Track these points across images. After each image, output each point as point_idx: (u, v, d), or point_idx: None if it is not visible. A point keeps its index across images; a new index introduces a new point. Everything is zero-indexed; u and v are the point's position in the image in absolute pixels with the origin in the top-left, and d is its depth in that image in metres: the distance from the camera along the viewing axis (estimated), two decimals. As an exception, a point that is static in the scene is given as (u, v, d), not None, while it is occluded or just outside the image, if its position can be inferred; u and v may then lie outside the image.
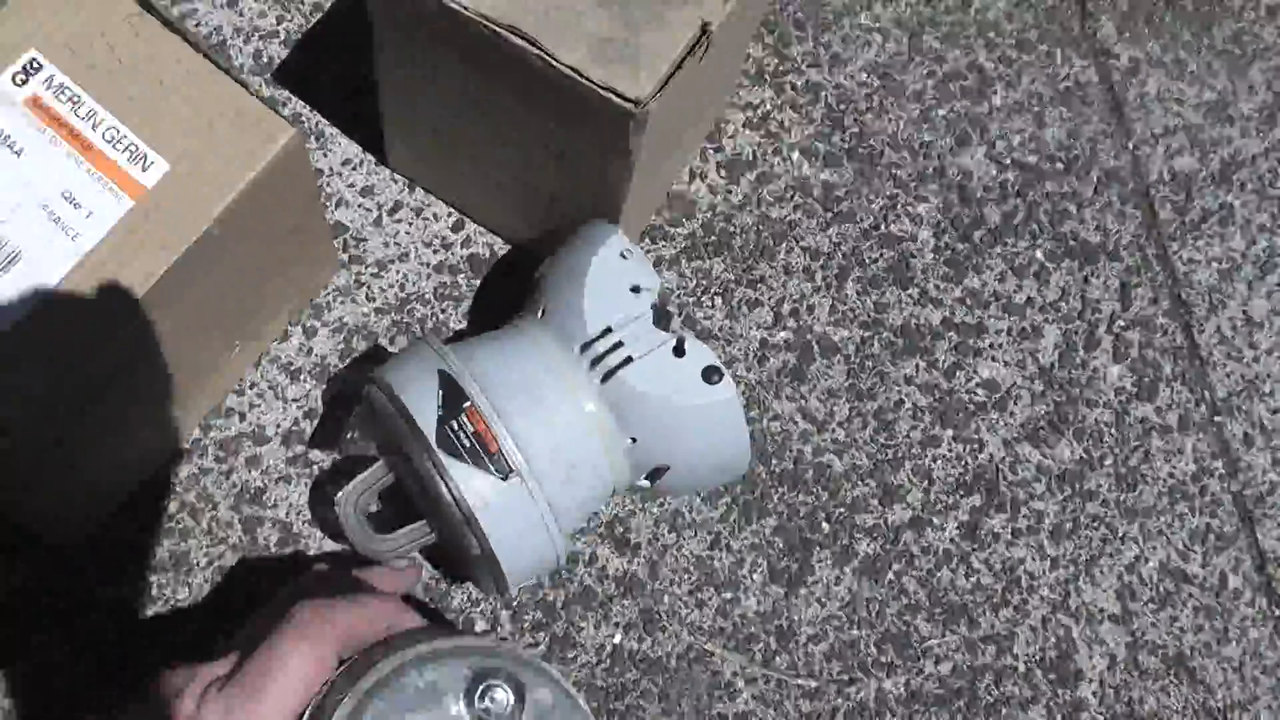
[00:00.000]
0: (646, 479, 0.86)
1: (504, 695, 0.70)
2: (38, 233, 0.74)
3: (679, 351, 0.81)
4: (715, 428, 0.83)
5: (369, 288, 1.00)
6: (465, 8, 0.75)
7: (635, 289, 0.84)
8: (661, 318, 0.83)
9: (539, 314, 0.85)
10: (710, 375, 0.81)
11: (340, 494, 0.84)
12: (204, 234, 0.75)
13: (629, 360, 0.81)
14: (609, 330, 0.82)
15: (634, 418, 0.82)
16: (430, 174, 1.02)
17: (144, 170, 0.76)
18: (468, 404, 0.80)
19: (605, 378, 0.81)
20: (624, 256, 0.85)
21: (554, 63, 0.75)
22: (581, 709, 0.70)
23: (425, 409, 0.80)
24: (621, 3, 0.76)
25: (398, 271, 1.01)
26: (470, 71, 0.82)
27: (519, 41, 0.75)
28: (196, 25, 1.07)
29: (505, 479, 0.78)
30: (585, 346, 0.82)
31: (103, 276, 0.74)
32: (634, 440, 0.83)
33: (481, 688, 0.70)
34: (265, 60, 1.07)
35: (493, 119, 0.85)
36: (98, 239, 0.75)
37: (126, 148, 0.77)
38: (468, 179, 0.97)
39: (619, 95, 0.74)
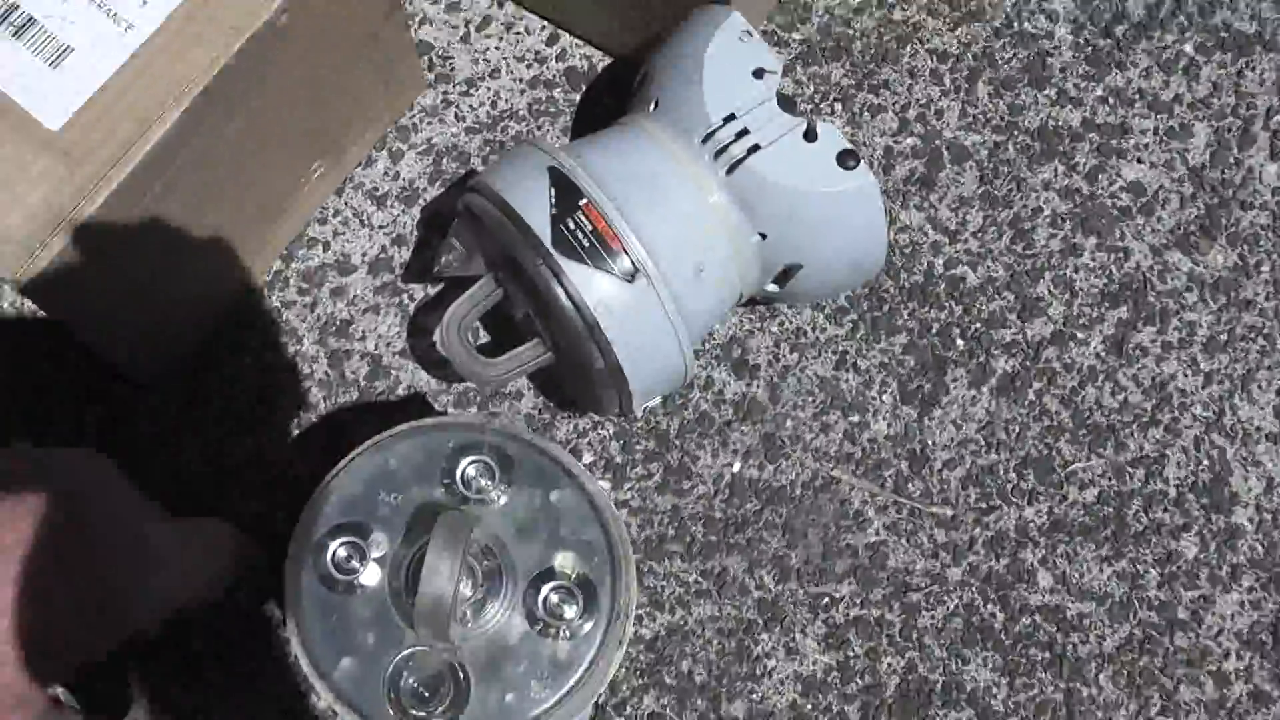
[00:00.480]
0: (774, 283, 0.79)
1: (486, 467, 0.66)
2: (89, 24, 0.67)
3: (810, 136, 0.74)
4: (852, 217, 0.75)
5: (458, 107, 0.92)
6: None
7: (758, 73, 0.76)
8: (787, 102, 0.75)
9: (650, 108, 0.78)
10: (845, 160, 0.73)
11: (446, 314, 0.77)
12: (267, 23, 0.68)
13: (756, 148, 0.73)
14: (732, 117, 0.74)
15: (764, 211, 0.74)
16: (519, -20, 0.94)
17: (205, -46, 0.69)
18: (584, 200, 0.72)
19: (730, 169, 0.74)
20: (743, 39, 0.77)
21: None
22: (587, 490, 0.67)
23: (536, 209, 0.72)
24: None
25: (488, 89, 0.93)
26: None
27: None
28: None
29: (630, 280, 0.71)
30: (707, 137, 0.74)
31: (158, 70, 0.67)
32: (763, 236, 0.75)
33: (464, 461, 0.66)
34: None
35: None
36: (153, 29, 0.68)
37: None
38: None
39: None
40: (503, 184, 0.74)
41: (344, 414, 0.85)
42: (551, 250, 0.71)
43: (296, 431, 0.85)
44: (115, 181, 0.66)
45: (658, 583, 0.82)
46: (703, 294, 0.75)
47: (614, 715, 0.80)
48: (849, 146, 0.73)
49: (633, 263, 0.71)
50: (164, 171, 0.68)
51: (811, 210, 0.74)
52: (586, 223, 0.72)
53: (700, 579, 0.83)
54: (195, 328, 0.84)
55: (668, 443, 0.85)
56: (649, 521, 0.83)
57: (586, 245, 0.71)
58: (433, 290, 0.87)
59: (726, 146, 0.74)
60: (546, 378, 0.85)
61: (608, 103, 0.92)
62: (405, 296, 0.87)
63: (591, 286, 0.71)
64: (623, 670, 0.80)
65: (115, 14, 0.68)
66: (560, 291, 0.71)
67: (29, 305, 0.87)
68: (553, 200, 0.73)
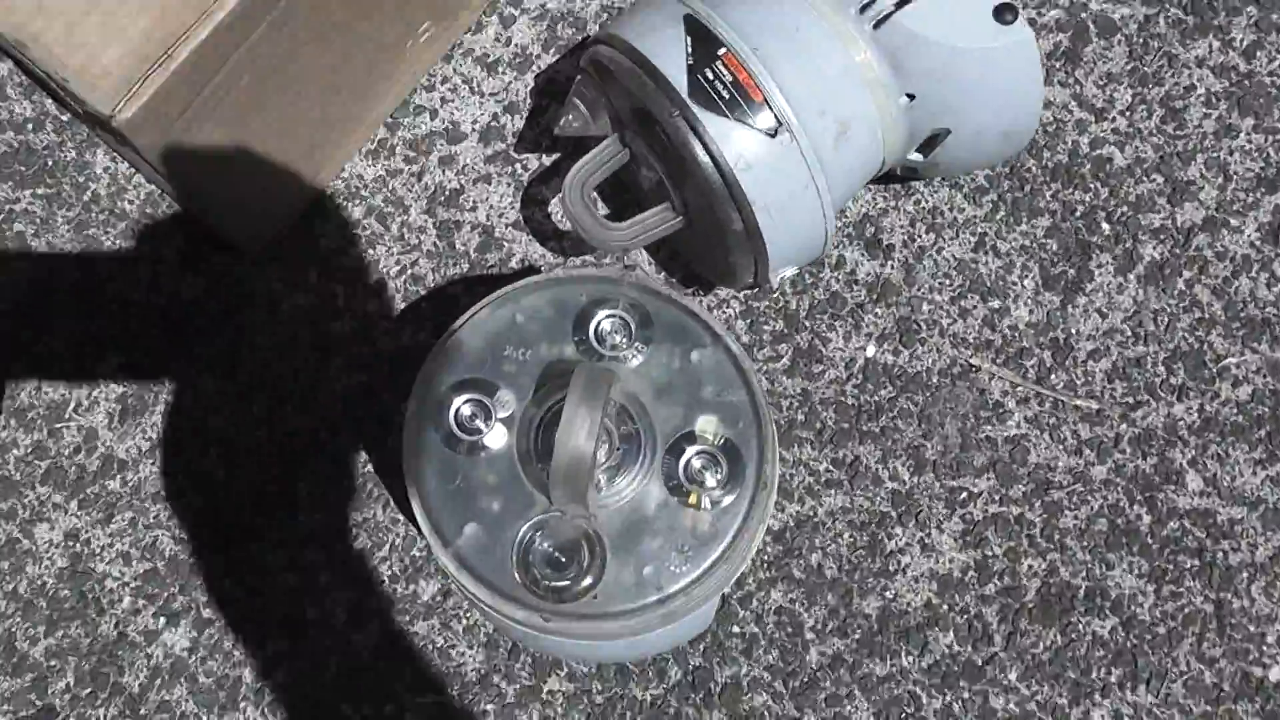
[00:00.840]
0: (919, 151, 0.74)
1: (623, 320, 0.62)
2: None
3: (965, -13, 0.68)
4: (1008, 76, 0.70)
5: (575, -32, 0.88)
6: None
7: (910, -78, 0.70)
8: (939, -47, 0.70)
9: (792, -41, 0.72)
10: (1003, 14, 0.68)
11: (569, 175, 0.72)
12: None
13: (905, 1, 0.68)
14: (882, -32, 0.69)
15: (913, 69, 0.69)
16: None
17: None
18: (723, 50, 0.67)
19: (878, 23, 0.68)
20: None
21: None
22: (731, 350, 0.63)
23: (671, 58, 0.67)
24: None
25: (607, -47, 0.88)
26: None
27: None
28: None
29: (772, 135, 0.66)
30: (853, -11, 0.69)
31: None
32: (911, 98, 0.70)
33: (599, 315, 0.62)
34: None
35: None
36: None
37: None
38: None
39: None
40: (634, 33, 0.69)
41: (453, 287, 0.81)
42: (688, 101, 0.66)
43: (403, 305, 0.80)
44: (217, 18, 0.62)
45: (786, 471, 0.78)
46: (846, 156, 0.70)
47: (739, 609, 0.76)
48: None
49: (775, 117, 0.66)
50: (269, 11, 0.64)
51: (964, 68, 0.69)
52: (726, 73, 0.67)
53: (831, 468, 0.78)
54: (297, 194, 0.80)
55: (797, 324, 0.80)
56: (777, 406, 0.79)
57: (726, 97, 0.66)
58: (548, 160, 0.83)
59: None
60: (669, 251, 0.81)
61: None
62: (518, 166, 0.83)
63: (731, 140, 0.66)
64: (749, 563, 0.76)
65: None
66: (697, 145, 0.66)
67: (126, 170, 0.83)
68: (689, 49, 0.68)
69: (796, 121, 0.67)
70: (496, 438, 0.61)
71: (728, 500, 0.61)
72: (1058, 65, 0.85)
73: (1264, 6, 0.86)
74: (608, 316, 0.63)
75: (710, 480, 0.61)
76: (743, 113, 0.66)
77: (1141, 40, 0.86)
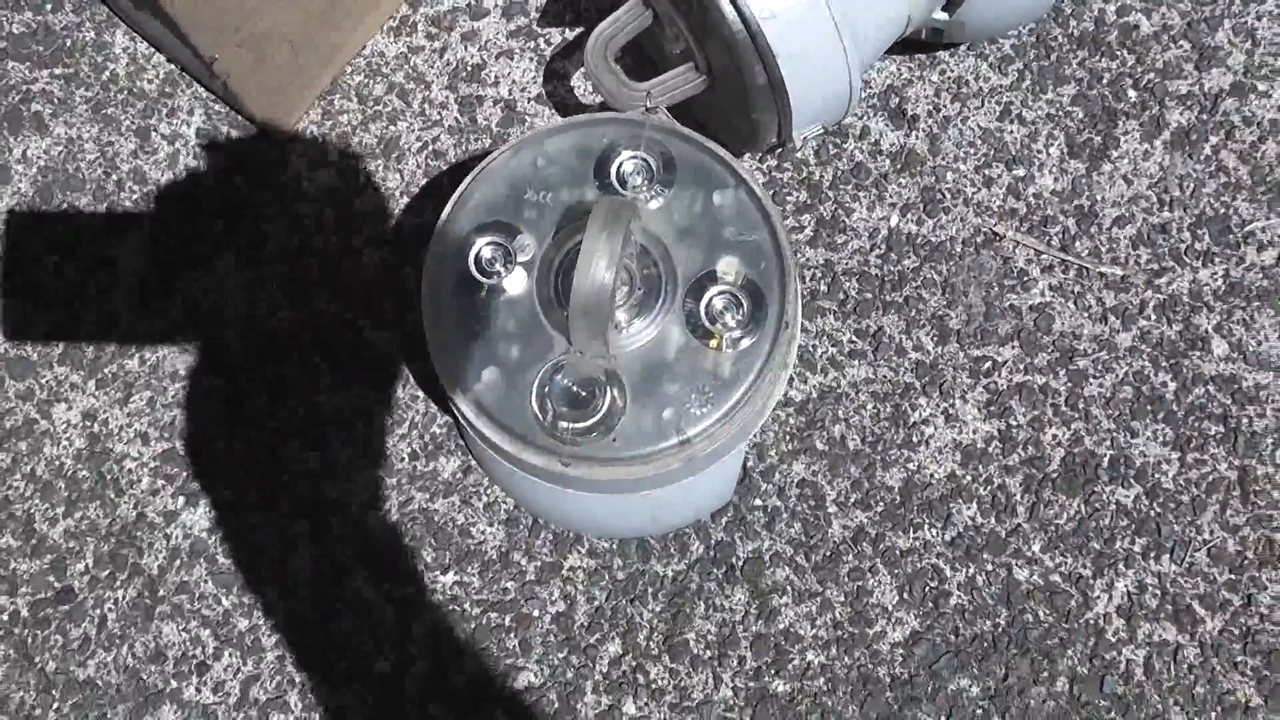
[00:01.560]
0: (944, 10, 0.73)
1: (645, 163, 0.61)
2: None
3: None
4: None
5: None
6: None
7: None
8: None
9: None
10: None
11: (592, 36, 0.72)
12: None
13: None
14: None
15: (938, -82, 0.68)
16: None
17: None
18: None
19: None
20: None
21: None
22: (754, 191, 0.62)
23: (693, -90, 0.67)
24: None
25: None
26: None
27: None
28: None
29: (792, -15, 0.66)
30: None
31: None
32: (937, -51, 0.69)
33: (621, 157, 0.61)
34: None
35: None
36: None
37: None
38: None
39: None
40: (654, -113, 0.68)
41: (476, 162, 0.80)
42: (710, -52, 0.65)
43: (425, 181, 0.80)
44: None
45: (810, 341, 0.77)
46: (872, 8, 0.69)
47: (761, 482, 0.76)
48: None
49: (799, -37, 0.65)
50: None
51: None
52: (749, -78, 0.66)
53: (854, 339, 0.78)
54: (318, 71, 0.79)
55: (820, 194, 0.79)
56: (800, 276, 0.78)
57: (749, -55, 0.66)
58: (571, 34, 0.82)
59: None
60: (693, 124, 0.80)
61: None
62: (541, 41, 0.82)
63: (754, -10, 0.65)
64: (771, 435, 0.75)
65: None
66: (722, -3, 0.65)
67: (145, 50, 0.83)
68: (711, -99, 0.67)
69: (819, -29, 0.66)
70: (516, 282, 0.61)
71: (748, 342, 0.60)
72: (1081, -67, 0.84)
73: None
74: (630, 158, 0.62)
75: (731, 320, 0.60)
76: (765, -40, 0.65)
77: (1168, -93, 0.84)
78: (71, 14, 0.84)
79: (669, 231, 0.62)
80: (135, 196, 0.81)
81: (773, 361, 0.60)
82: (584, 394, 0.59)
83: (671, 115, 0.77)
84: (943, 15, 0.73)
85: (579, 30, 0.82)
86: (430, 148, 0.81)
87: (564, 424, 0.59)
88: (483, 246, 0.61)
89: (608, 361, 0.59)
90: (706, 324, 0.60)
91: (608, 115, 0.65)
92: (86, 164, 0.81)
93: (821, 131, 0.74)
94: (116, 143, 0.82)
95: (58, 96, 0.83)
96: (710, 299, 0.60)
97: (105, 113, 0.82)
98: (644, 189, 0.62)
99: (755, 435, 0.69)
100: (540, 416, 0.59)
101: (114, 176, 0.81)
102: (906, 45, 0.76)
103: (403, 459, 0.77)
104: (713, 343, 0.60)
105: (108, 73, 0.83)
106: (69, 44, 0.84)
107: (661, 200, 0.62)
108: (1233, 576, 0.74)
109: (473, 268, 0.61)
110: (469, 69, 0.82)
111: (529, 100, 0.81)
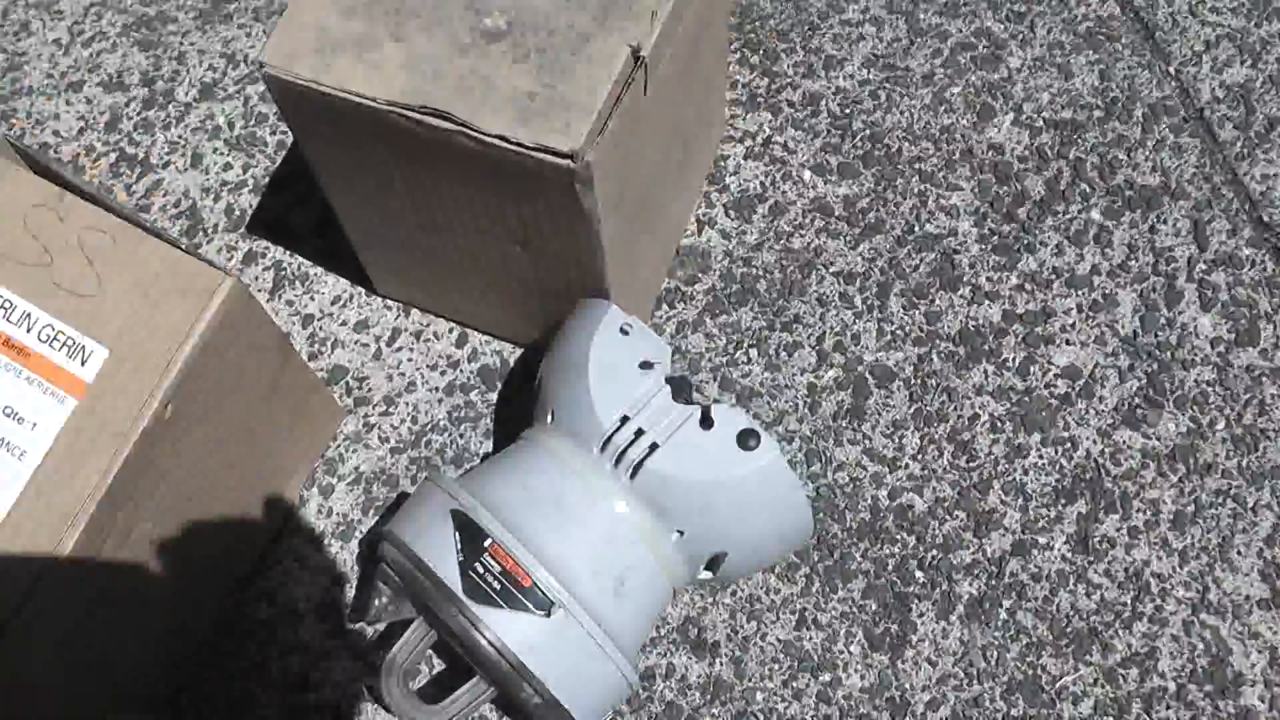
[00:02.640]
0: (706, 569, 0.77)
1: None
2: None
3: (706, 422, 0.72)
4: (765, 496, 0.73)
5: (379, 428, 0.92)
6: (373, 98, 0.68)
7: (645, 365, 0.75)
8: (680, 389, 0.74)
9: (548, 420, 0.77)
10: (746, 440, 0.72)
11: (383, 668, 0.75)
12: (154, 418, 0.68)
13: (654, 447, 0.72)
14: (625, 419, 0.73)
15: (675, 508, 0.73)
16: (417, 291, 0.94)
17: (83, 364, 0.70)
18: (489, 541, 0.71)
19: (633, 472, 0.72)
20: (624, 332, 0.77)
21: (476, 134, 0.66)
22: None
23: (444, 557, 0.71)
24: (537, 50, 0.68)
25: (407, 404, 0.93)
26: (405, 168, 0.74)
27: (436, 121, 0.67)
28: (164, 195, 1.02)
29: (548, 614, 0.70)
30: (605, 444, 0.73)
31: (54, 492, 0.67)
32: (681, 533, 0.74)
33: None
34: (237, 214, 1.01)
35: (446, 214, 0.77)
36: (44, 450, 0.68)
37: (63, 344, 0.71)
38: (452, 286, 0.89)
39: (552, 152, 0.66)
40: (410, 532, 0.73)
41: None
42: (465, 600, 0.70)
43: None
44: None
45: None
46: (629, 606, 0.73)
47: None
48: (747, 425, 0.72)
49: (547, 597, 0.70)
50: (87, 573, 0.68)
51: (722, 498, 0.72)
52: (495, 564, 0.70)
53: None
54: (164, 677, 0.83)
55: (643, 733, 0.82)
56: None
57: (498, 588, 0.70)
58: (381, 626, 0.86)
59: (625, 450, 0.72)
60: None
61: (527, 392, 0.91)
62: (355, 635, 0.86)
63: (511, 629, 0.69)
64: None
65: (6, 441, 0.68)
66: (481, 639, 0.69)
67: None
68: (459, 545, 0.72)
69: (569, 595, 0.70)
70: None
71: None
72: (844, 424, 0.89)
73: (1027, 321, 0.90)
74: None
75: None
76: (516, 600, 0.70)
77: (919, 381, 0.90)
78: None
79: None
80: None
81: None
82: None
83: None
84: (707, 574, 0.77)
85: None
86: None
87: None
88: None
89: None
90: None
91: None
92: None
93: (613, 714, 0.77)
94: None
95: None
96: None
97: None
98: None
99: None
100: None
101: None
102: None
103: None
104: None
105: None
106: None
107: None
108: None
109: None
110: (292, 679, 0.85)
111: (353, 698, 0.84)
